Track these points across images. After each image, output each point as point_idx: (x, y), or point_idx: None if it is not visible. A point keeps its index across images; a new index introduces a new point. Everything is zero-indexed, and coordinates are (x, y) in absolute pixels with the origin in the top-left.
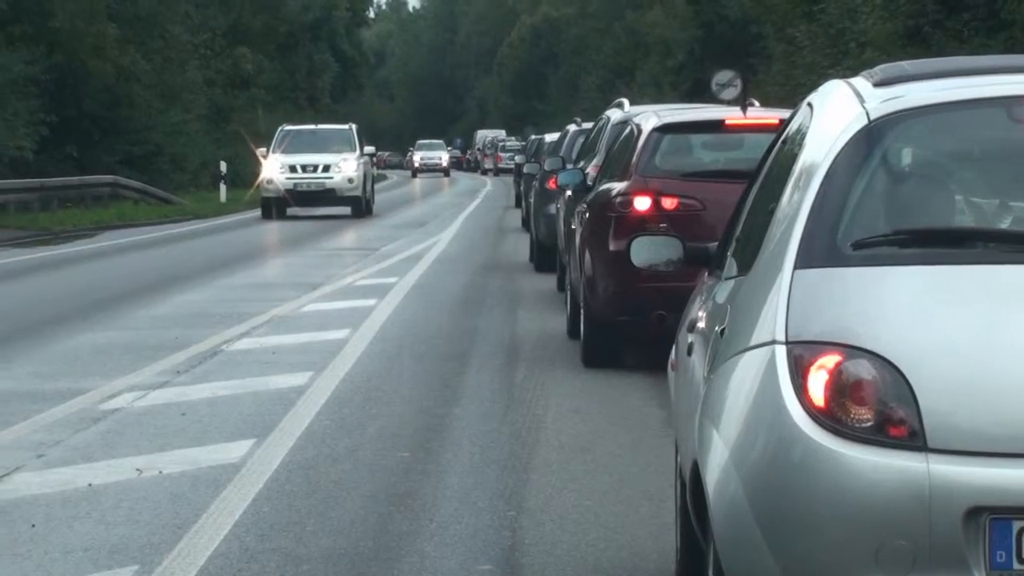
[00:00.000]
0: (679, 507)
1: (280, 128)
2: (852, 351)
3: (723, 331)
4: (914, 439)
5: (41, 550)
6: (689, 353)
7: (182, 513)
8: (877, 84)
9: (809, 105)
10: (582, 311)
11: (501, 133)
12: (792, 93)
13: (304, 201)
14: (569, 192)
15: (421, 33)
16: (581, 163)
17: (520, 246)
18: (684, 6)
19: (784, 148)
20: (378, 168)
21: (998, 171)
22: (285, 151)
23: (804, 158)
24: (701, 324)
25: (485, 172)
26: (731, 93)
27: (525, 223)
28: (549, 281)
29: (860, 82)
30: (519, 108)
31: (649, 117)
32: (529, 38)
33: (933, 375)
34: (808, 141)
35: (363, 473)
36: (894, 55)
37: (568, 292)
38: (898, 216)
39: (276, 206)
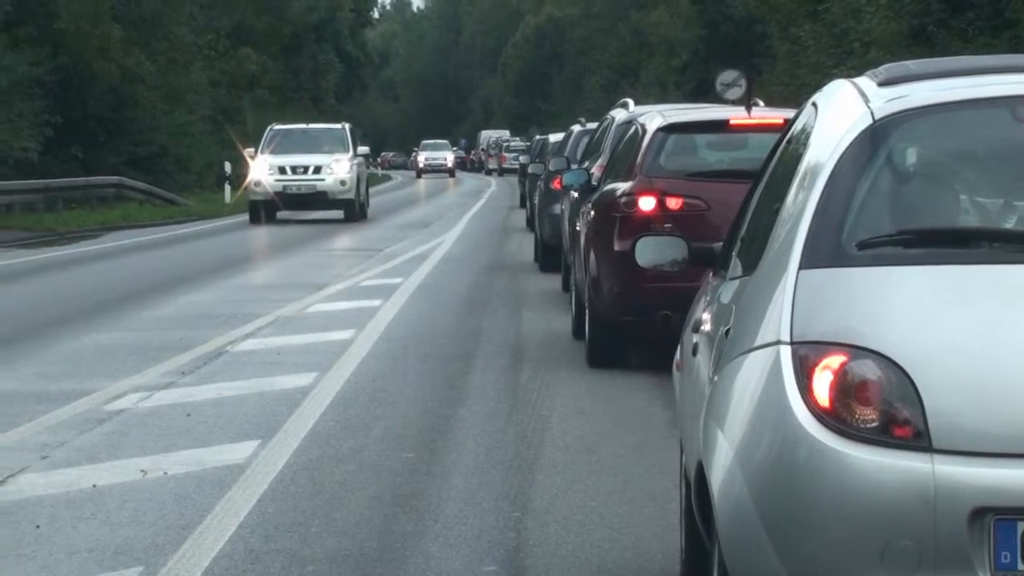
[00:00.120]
0: (684, 508)
1: (269, 127)
2: (857, 351)
3: (728, 331)
4: (919, 439)
5: (46, 551)
6: (694, 353)
7: (187, 514)
8: (882, 84)
9: (814, 105)
10: (587, 311)
11: (505, 133)
12: (796, 93)
13: (294, 204)
14: (574, 192)
15: (425, 33)
16: (586, 163)
17: (525, 246)
18: (688, 6)
19: (789, 148)
20: (382, 169)
21: (1003, 171)
22: (274, 152)
23: (809, 158)
24: (706, 325)
25: (489, 172)
26: (735, 93)
27: (530, 223)
28: (554, 281)
29: (865, 82)
30: (523, 108)
31: (653, 117)
32: (533, 38)
33: (938, 375)
34: (813, 141)
35: (368, 474)
36: (898, 55)
37: (573, 292)
38: (903, 216)
39: (265, 210)
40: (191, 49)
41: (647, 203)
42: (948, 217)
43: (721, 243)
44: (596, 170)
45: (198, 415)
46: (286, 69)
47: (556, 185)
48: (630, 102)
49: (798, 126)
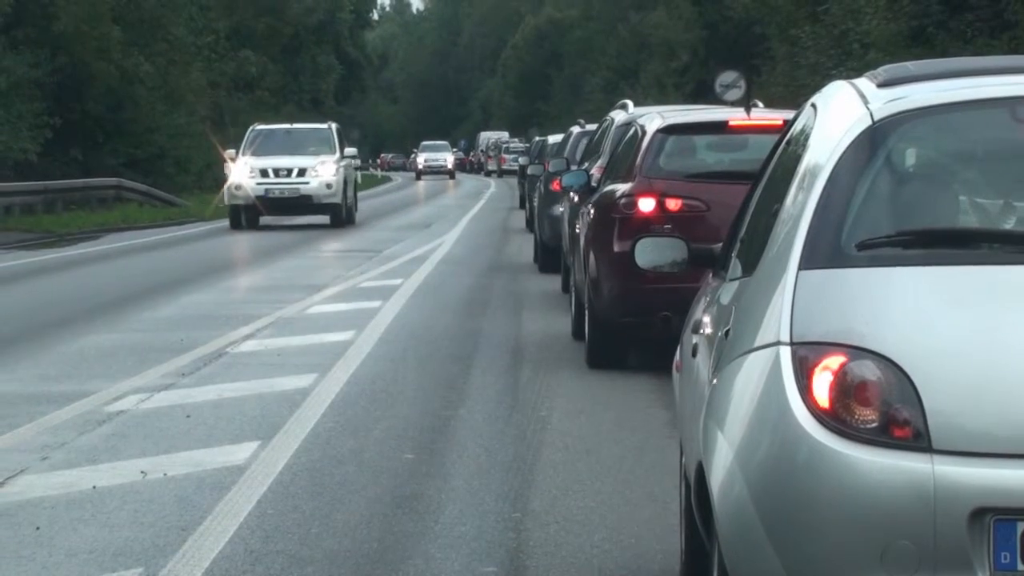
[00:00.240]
0: (684, 508)
1: (251, 128)
2: (856, 352)
3: (727, 332)
4: (919, 440)
5: (46, 552)
6: (694, 355)
7: (187, 515)
8: (881, 85)
9: (813, 106)
10: (587, 312)
11: (504, 135)
12: (796, 94)
13: (276, 209)
14: (573, 194)
15: (425, 35)
16: (585, 164)
17: (524, 247)
18: (688, 7)
19: (788, 149)
20: (382, 170)
21: (1002, 172)
22: (255, 153)
23: (808, 159)
24: (706, 326)
25: (489, 174)
26: (735, 94)
27: (529, 224)
28: (553, 282)
29: (864, 83)
30: (523, 110)
31: (653, 118)
32: (533, 40)
33: (938, 376)
34: (812, 142)
35: (368, 475)
36: (898, 56)
37: (573, 293)
38: (902, 217)
39: (246, 214)
40: (190, 50)
41: (647, 204)
42: (947, 218)
43: (721, 244)
44: (595, 171)
45: (198, 416)
46: (286, 71)
47: (555, 186)
48: (629, 103)
49: (797, 127)
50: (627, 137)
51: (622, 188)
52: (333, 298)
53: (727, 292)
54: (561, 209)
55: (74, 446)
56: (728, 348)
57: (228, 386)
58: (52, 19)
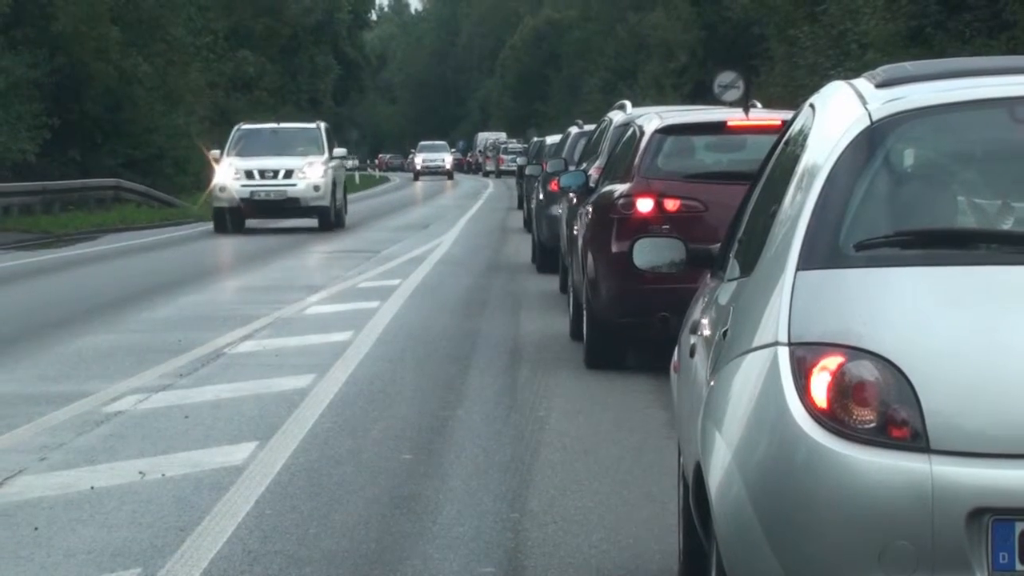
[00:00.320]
0: (682, 509)
1: (236, 127)
2: (854, 352)
3: (726, 333)
4: (917, 440)
5: (44, 553)
6: (692, 355)
7: (185, 516)
8: (879, 85)
9: (811, 106)
10: (585, 313)
11: (503, 135)
12: (794, 94)
13: (262, 212)
14: (571, 194)
15: (423, 35)
16: (583, 165)
17: (522, 248)
18: (686, 8)
19: (786, 149)
20: (380, 171)
21: (1000, 172)
22: (240, 154)
23: (806, 159)
24: (704, 326)
25: (487, 174)
26: (733, 95)
27: (527, 225)
28: (552, 283)
29: (862, 83)
30: (521, 110)
31: (651, 119)
32: (531, 40)
33: (936, 376)
34: (810, 142)
35: (366, 475)
36: (896, 56)
37: (571, 294)
38: (900, 217)
39: (231, 217)
40: (189, 51)
41: (645, 205)
42: (946, 218)
43: (719, 245)
44: (594, 172)
45: (196, 417)
46: (284, 71)
47: (554, 187)
48: (628, 104)
49: (796, 128)
50: (625, 138)
51: (620, 188)
52: (331, 299)
53: (725, 292)
54: (559, 209)
55: (72, 447)
56: (726, 348)
57: (226, 387)
58: (51, 19)
